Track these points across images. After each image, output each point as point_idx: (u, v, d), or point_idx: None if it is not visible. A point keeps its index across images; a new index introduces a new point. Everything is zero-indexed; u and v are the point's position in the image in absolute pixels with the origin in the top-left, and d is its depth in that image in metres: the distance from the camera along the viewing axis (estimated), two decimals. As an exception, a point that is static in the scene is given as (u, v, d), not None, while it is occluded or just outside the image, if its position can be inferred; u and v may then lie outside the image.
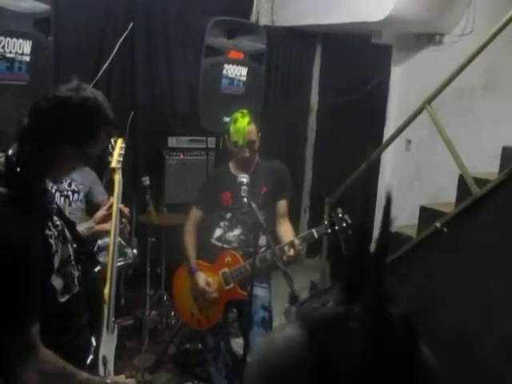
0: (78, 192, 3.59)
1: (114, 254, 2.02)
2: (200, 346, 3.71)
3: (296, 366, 0.68)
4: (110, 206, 2.17)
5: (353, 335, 0.66)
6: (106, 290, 2.00)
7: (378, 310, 0.68)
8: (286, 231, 3.34)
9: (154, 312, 4.04)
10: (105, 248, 2.60)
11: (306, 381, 0.67)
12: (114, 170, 2.24)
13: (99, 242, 2.84)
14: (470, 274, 3.29)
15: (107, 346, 1.90)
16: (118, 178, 2.22)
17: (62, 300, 1.79)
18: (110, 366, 1.87)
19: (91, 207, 3.54)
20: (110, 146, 2.32)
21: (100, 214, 2.24)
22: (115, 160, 2.26)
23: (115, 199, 2.13)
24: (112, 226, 2.08)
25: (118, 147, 2.31)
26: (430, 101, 3.58)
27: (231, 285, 3.30)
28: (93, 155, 1.83)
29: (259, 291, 3.32)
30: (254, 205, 3.05)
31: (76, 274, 1.88)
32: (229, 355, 3.55)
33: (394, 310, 0.69)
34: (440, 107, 3.65)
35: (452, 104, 3.71)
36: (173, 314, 4.00)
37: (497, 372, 3.03)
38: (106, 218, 2.20)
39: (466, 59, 3.44)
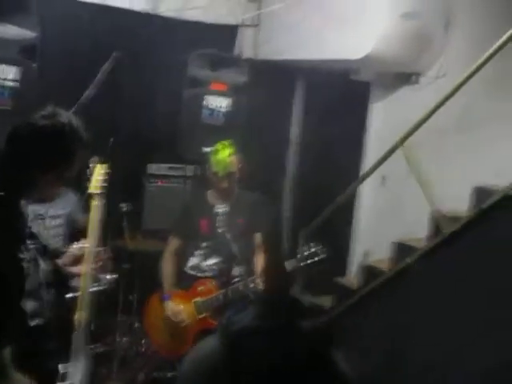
0: (59, 217, 3.57)
1: (87, 282, 2.04)
2: (169, 374, 3.69)
3: (214, 369, 0.79)
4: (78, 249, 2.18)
5: (260, 345, 0.77)
6: (77, 317, 2.01)
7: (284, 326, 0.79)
8: (260, 263, 3.37)
9: (124, 339, 4.00)
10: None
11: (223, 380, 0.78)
12: (91, 195, 2.26)
13: None
14: (441, 309, 3.34)
15: (75, 373, 1.90)
16: (96, 204, 2.24)
17: (33, 324, 1.80)
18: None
19: (73, 232, 3.53)
20: (87, 171, 2.35)
21: (67, 257, 2.20)
22: (93, 186, 2.28)
23: (92, 224, 2.15)
24: (87, 251, 2.10)
25: (97, 173, 2.33)
26: (403, 140, 3.68)
27: (203, 314, 3.32)
28: (70, 178, 1.87)
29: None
30: (228, 235, 3.09)
31: (48, 298, 1.89)
32: None
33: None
34: (415, 145, 3.75)
35: (426, 142, 3.81)
36: (143, 341, 3.97)
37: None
38: (76, 259, 2.18)
39: (440, 100, 3.56)
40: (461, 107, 3.73)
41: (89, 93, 3.72)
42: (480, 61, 3.30)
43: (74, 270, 2.12)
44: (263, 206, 3.55)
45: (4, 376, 1.57)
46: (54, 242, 3.13)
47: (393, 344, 3.54)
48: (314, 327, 0.81)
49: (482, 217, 3.17)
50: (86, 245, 2.24)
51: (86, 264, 2.10)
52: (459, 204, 3.45)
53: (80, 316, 2.00)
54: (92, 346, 3.78)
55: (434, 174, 3.64)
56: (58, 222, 3.56)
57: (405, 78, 4.46)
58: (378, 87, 4.63)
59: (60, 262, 2.13)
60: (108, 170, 2.38)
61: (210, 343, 0.83)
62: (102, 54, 4.00)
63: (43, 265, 1.93)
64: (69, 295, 2.02)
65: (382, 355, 3.54)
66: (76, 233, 3.21)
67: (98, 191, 2.27)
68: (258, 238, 3.46)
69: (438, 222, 3.46)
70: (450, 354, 3.23)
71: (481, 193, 3.33)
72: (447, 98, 3.50)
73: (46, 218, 3.51)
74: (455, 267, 3.29)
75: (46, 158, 1.76)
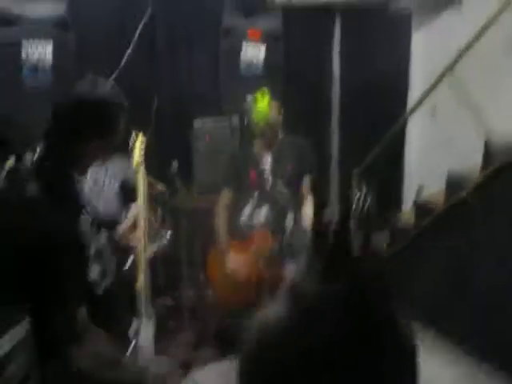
0: (115, 182, 3.66)
1: (144, 249, 2.11)
2: (239, 322, 3.81)
3: (283, 337, 0.79)
4: (133, 221, 2.24)
5: (327, 311, 0.78)
6: (139, 280, 2.09)
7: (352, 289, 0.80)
8: (308, 210, 3.38)
9: (191, 291, 4.15)
10: None
11: (293, 349, 0.77)
12: (136, 163, 2.30)
13: None
14: (499, 238, 3.29)
15: (146, 332, 2.00)
16: (141, 176, 2.28)
17: (100, 287, 1.89)
18: (150, 352, 1.98)
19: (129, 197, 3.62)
20: (130, 139, 2.39)
21: (123, 228, 2.27)
22: (136, 155, 2.32)
23: (141, 195, 2.21)
24: (141, 219, 2.16)
25: (138, 142, 2.37)
26: (450, 67, 3.55)
27: (261, 264, 3.37)
28: (115, 146, 1.92)
29: (292, 268, 3.38)
30: (278, 184, 3.12)
31: (110, 264, 1.98)
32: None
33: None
34: (463, 72, 3.61)
35: (474, 69, 3.65)
36: (210, 293, 4.10)
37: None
38: (131, 230, 2.25)
39: (486, 22, 3.39)
40: (507, 28, 3.54)
41: (127, 56, 3.74)
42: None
43: (131, 241, 2.20)
44: (309, 148, 3.52)
45: (84, 329, 1.66)
46: (113, 207, 3.22)
47: (455, 275, 3.53)
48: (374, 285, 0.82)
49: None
50: (138, 206, 2.30)
51: (141, 232, 2.17)
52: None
53: (142, 279, 2.09)
54: (161, 300, 3.97)
55: (485, 102, 3.52)
56: (115, 187, 3.65)
57: (447, 2, 4.25)
58: (419, 16, 4.44)
59: (116, 235, 2.22)
60: (145, 139, 2.41)
61: (275, 309, 0.85)
62: (135, 11, 4.00)
63: (103, 234, 2.00)
64: (129, 261, 2.11)
65: (446, 287, 3.54)
66: (132, 197, 3.31)
67: (141, 160, 2.32)
68: (305, 181, 3.45)
69: (492, 151, 3.36)
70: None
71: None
72: (494, 20, 3.34)
73: (104, 183, 3.62)
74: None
75: (91, 128, 1.81)
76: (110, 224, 2.31)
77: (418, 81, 4.47)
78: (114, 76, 3.67)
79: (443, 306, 3.52)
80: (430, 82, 3.83)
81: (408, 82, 4.57)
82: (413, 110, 4.15)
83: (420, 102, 3.98)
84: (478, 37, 3.41)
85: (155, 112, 4.11)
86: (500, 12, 3.25)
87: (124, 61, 3.88)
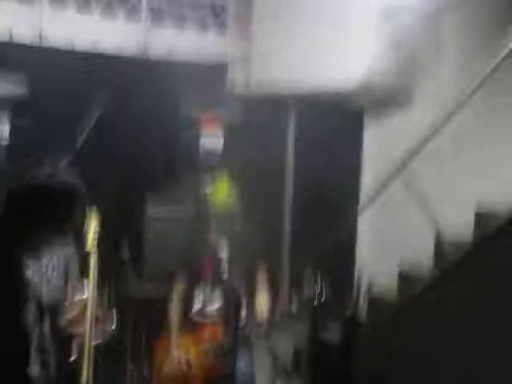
0: (58, 269, 3.52)
1: (90, 341, 2.00)
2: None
3: None
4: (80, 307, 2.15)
5: None
6: (84, 372, 1.97)
7: None
8: (262, 304, 3.33)
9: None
10: None
11: None
12: (88, 253, 2.23)
13: None
14: (449, 338, 3.29)
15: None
16: (93, 262, 2.21)
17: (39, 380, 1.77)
18: None
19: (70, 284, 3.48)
20: (84, 226, 2.33)
21: (69, 315, 2.16)
22: (90, 242, 2.25)
23: (91, 284, 2.12)
24: (88, 312, 2.06)
25: (92, 228, 2.31)
26: (401, 168, 3.67)
27: (212, 359, 3.25)
28: (71, 231, 1.86)
29: (242, 365, 3.26)
30: (234, 281, 3.08)
31: (54, 360, 1.86)
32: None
33: None
34: (414, 170, 3.73)
35: (425, 166, 3.79)
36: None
37: None
38: (78, 318, 2.14)
39: (436, 124, 3.56)
40: (457, 129, 3.72)
41: (80, 142, 3.72)
42: (473, 85, 3.31)
43: (76, 330, 2.09)
44: (263, 241, 3.52)
45: None
46: (55, 294, 3.08)
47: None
48: None
49: (484, 243, 3.15)
50: (84, 296, 2.21)
51: (88, 322, 2.06)
52: (463, 228, 3.41)
53: (86, 374, 1.97)
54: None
55: (435, 198, 3.62)
56: (57, 269, 3.51)
57: (398, 102, 4.46)
58: (371, 114, 4.63)
59: (61, 323, 2.10)
60: (100, 225, 2.35)
61: None
62: (92, 101, 4.02)
63: (47, 327, 1.89)
64: (73, 356, 1.98)
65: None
66: (72, 283, 3.19)
67: (94, 246, 2.24)
68: (259, 275, 3.42)
69: (442, 247, 3.43)
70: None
71: (483, 217, 3.31)
72: (443, 124, 3.51)
73: (47, 270, 3.47)
74: (462, 294, 3.24)
75: (48, 214, 1.76)
76: (54, 311, 2.19)
77: (369, 176, 4.58)
78: (65, 162, 3.62)
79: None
80: (381, 178, 3.93)
81: (359, 177, 4.68)
82: (364, 207, 4.23)
83: (372, 199, 4.06)
84: (427, 139, 3.56)
85: (107, 198, 4.05)
86: (450, 115, 3.42)
87: (78, 146, 3.85)
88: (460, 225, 3.44)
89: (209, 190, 3.44)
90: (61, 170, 1.84)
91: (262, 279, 3.41)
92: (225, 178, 3.45)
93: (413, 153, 3.67)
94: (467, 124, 3.72)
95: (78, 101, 4.03)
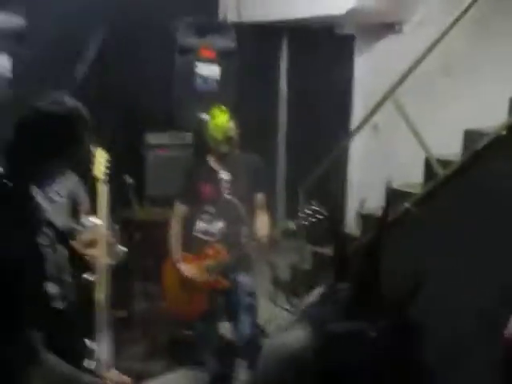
0: (62, 194, 3.53)
1: (103, 263, 2.02)
2: (191, 333, 3.75)
3: (302, 364, 0.75)
4: (93, 231, 2.15)
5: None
6: (97, 296, 2.00)
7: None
8: (262, 223, 3.36)
9: (144, 304, 4.04)
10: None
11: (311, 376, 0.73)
12: (96, 178, 2.21)
13: None
14: (439, 251, 3.36)
15: (102, 349, 1.91)
16: (102, 188, 2.19)
17: (59, 307, 1.80)
18: (105, 368, 1.89)
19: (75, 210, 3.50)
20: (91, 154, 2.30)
21: (82, 243, 2.16)
22: (98, 169, 2.22)
23: (102, 212, 2.12)
24: (100, 238, 2.07)
25: (99, 157, 2.28)
26: (392, 90, 3.63)
27: (215, 276, 3.33)
28: (78, 161, 1.85)
29: (243, 279, 3.36)
30: (233, 199, 3.09)
31: (69, 281, 1.88)
32: (218, 340, 3.60)
33: None
34: (404, 93, 3.70)
35: (415, 89, 3.75)
36: (163, 305, 4.00)
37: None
38: (90, 242, 2.14)
39: (426, 48, 3.49)
40: (447, 52, 3.65)
41: (80, 72, 3.63)
42: (465, 5, 3.23)
43: (90, 252, 2.10)
44: (262, 167, 3.52)
45: (35, 357, 1.58)
46: (66, 218, 3.10)
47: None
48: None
49: (473, 159, 3.16)
50: (97, 221, 2.21)
51: (100, 246, 2.08)
52: (452, 146, 3.43)
53: (100, 295, 2.00)
54: (114, 312, 3.83)
55: (426, 120, 3.62)
56: (62, 197, 3.52)
57: (388, 27, 4.37)
58: (362, 39, 4.54)
59: (75, 245, 2.11)
60: (108, 156, 2.32)
61: (292, 334, 0.78)
62: (89, 29, 3.89)
63: (61, 249, 1.91)
64: (87, 276, 2.01)
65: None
66: (79, 210, 3.20)
67: (103, 175, 2.22)
68: (259, 198, 3.44)
69: (431, 166, 3.45)
70: (447, 295, 3.27)
71: (472, 135, 3.31)
72: (433, 46, 3.45)
73: (56, 195, 3.47)
74: (451, 210, 3.29)
75: (56, 144, 1.74)
76: (66, 238, 2.20)
77: (360, 100, 4.55)
78: (66, 91, 3.54)
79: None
80: (372, 102, 3.90)
81: (351, 101, 4.65)
82: (356, 130, 4.21)
83: (362, 124, 4.05)
84: (418, 61, 3.50)
85: (109, 126, 4.00)
86: (440, 37, 3.35)
87: (78, 75, 3.76)
88: (449, 144, 3.45)
89: (207, 116, 3.40)
90: (67, 100, 1.80)
91: (261, 202, 3.43)
92: (222, 104, 3.39)
93: (403, 76, 3.62)
94: (456, 47, 3.67)
95: (77, 33, 3.90)
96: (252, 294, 3.42)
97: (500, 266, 2.99)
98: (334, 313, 0.77)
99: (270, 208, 3.55)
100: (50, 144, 1.73)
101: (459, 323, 3.15)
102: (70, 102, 1.80)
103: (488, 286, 3.03)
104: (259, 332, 3.53)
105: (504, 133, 2.97)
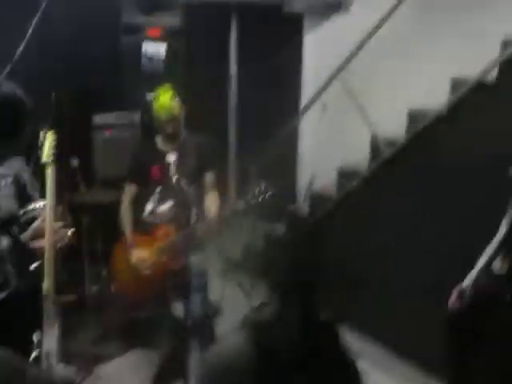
0: (8, 176, 3.42)
1: (50, 252, 1.98)
2: (143, 315, 3.73)
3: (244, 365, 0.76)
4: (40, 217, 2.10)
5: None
6: (45, 285, 1.96)
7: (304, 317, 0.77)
8: (211, 203, 3.35)
9: (94, 287, 3.99)
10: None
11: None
12: (45, 165, 2.16)
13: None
14: (385, 227, 3.45)
15: (49, 339, 1.88)
16: (50, 174, 2.14)
17: (1, 296, 1.76)
18: (53, 359, 1.86)
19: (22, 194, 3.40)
20: (39, 138, 2.24)
21: (31, 231, 2.10)
22: (46, 154, 2.17)
23: (49, 196, 2.07)
24: (47, 225, 2.02)
25: (48, 141, 2.22)
26: (340, 70, 3.66)
27: (166, 257, 3.31)
28: (23, 145, 1.81)
29: (193, 259, 3.35)
30: (181, 180, 3.07)
31: (12, 270, 1.85)
32: (171, 321, 3.60)
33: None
34: (351, 72, 3.73)
35: (361, 68, 3.78)
36: (113, 288, 3.96)
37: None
38: (39, 231, 2.09)
39: (372, 28, 3.52)
40: (391, 32, 3.69)
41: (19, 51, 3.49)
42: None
43: (37, 244, 2.05)
44: (211, 146, 3.49)
45: None
46: (6, 203, 3.01)
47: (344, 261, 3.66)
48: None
49: (416, 138, 3.24)
50: (43, 206, 2.16)
51: (48, 234, 2.03)
52: (398, 127, 3.49)
53: (46, 283, 1.96)
54: (63, 297, 3.77)
55: (372, 99, 3.66)
56: (7, 181, 3.41)
57: (336, 6, 4.37)
58: (310, 18, 4.53)
59: (22, 237, 2.05)
60: (56, 137, 2.26)
61: (234, 339, 0.79)
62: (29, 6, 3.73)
63: (4, 238, 1.86)
64: (33, 265, 1.97)
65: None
66: (24, 195, 3.11)
67: (51, 159, 2.17)
68: (209, 177, 3.42)
69: (377, 145, 3.51)
70: (390, 265, 3.37)
71: (416, 115, 3.38)
72: (380, 26, 3.48)
73: None
74: (397, 188, 3.37)
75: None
76: (9, 224, 2.14)
77: (309, 79, 4.56)
78: (6, 72, 3.42)
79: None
80: (321, 81, 3.92)
81: (300, 80, 4.65)
82: (305, 108, 4.23)
83: (312, 101, 4.07)
84: (365, 41, 3.54)
85: (54, 108, 3.88)
86: (385, 19, 3.38)
87: (17, 56, 3.61)
88: (394, 125, 3.52)
89: (153, 96, 3.33)
90: (4, 83, 1.74)
91: (210, 182, 3.42)
92: (168, 84, 3.33)
93: (350, 56, 3.65)
94: (401, 27, 3.71)
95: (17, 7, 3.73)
96: (203, 274, 3.42)
97: (440, 241, 3.09)
98: (274, 321, 0.79)
99: (221, 187, 3.54)
100: None
101: (408, 295, 3.26)
102: (6, 86, 1.74)
103: (432, 261, 3.14)
104: (211, 311, 3.54)
105: (445, 113, 3.05)
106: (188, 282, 3.32)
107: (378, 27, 3.50)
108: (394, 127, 3.51)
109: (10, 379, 1.57)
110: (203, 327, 3.26)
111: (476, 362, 2.68)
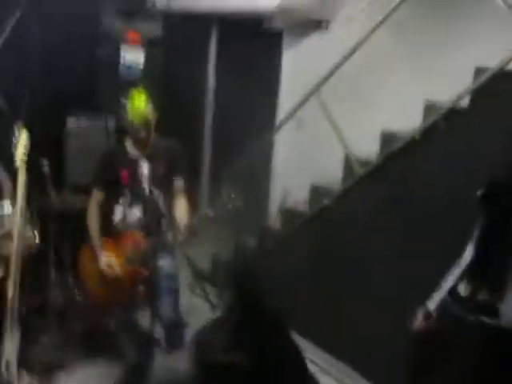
0: None
1: (17, 262, 1.94)
2: (109, 322, 3.68)
3: None
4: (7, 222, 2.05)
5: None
6: (10, 294, 1.91)
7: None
8: (180, 209, 3.28)
9: (58, 293, 3.91)
10: None
11: None
12: (18, 167, 2.12)
13: None
14: (356, 244, 3.48)
15: (10, 348, 1.83)
16: (20, 174, 2.10)
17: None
18: (13, 368, 1.81)
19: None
20: (13, 140, 2.20)
21: None
22: (19, 156, 2.12)
23: (20, 197, 2.03)
24: (15, 234, 1.98)
25: (21, 142, 2.18)
26: (317, 87, 3.69)
27: (135, 265, 3.25)
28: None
29: (164, 262, 3.24)
30: (151, 188, 3.04)
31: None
32: (137, 329, 3.53)
33: None
34: (328, 90, 3.76)
35: (338, 88, 3.82)
36: (78, 294, 3.88)
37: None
38: (5, 236, 2.04)
39: (350, 48, 3.56)
40: (369, 53, 3.74)
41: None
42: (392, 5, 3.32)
43: (3, 249, 2.00)
44: (181, 151, 3.43)
45: None
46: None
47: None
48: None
49: (388, 160, 3.28)
50: (11, 209, 2.11)
51: (13, 238, 1.98)
52: (371, 147, 3.53)
53: (12, 294, 1.91)
54: (26, 302, 3.68)
55: (348, 119, 3.70)
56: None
57: (315, 24, 4.42)
58: (290, 35, 4.57)
59: None
60: (28, 136, 2.22)
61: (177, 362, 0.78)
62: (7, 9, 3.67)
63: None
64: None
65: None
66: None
67: (22, 160, 2.12)
68: (178, 183, 3.39)
69: (350, 165, 3.55)
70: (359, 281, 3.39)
71: (388, 136, 3.42)
72: (358, 45, 3.52)
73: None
74: (368, 206, 3.40)
75: None
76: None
77: (287, 95, 4.59)
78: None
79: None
80: (298, 98, 3.95)
81: (278, 95, 4.68)
82: (281, 124, 4.25)
83: (288, 117, 4.09)
84: (343, 59, 3.57)
85: (26, 109, 3.82)
86: (364, 38, 3.43)
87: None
88: (367, 147, 3.55)
89: (127, 103, 3.28)
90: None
91: (179, 188, 3.38)
92: (142, 91, 3.28)
93: (328, 74, 3.69)
94: (379, 47, 3.76)
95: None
96: (172, 277, 3.33)
97: (409, 260, 3.13)
98: (223, 339, 0.78)
99: (192, 195, 3.50)
100: None
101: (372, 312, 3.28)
102: None
103: (398, 278, 3.16)
104: (181, 317, 3.45)
105: (417, 137, 3.10)
106: (157, 285, 3.22)
107: (356, 47, 3.54)
108: (368, 148, 3.55)
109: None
110: (174, 332, 3.20)
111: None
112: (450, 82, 3.02)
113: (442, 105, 3.07)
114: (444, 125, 2.99)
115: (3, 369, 1.76)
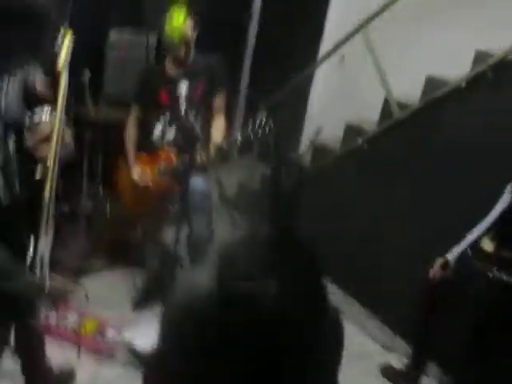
0: (14, 80, 3.35)
1: (54, 166, 1.98)
2: (136, 234, 3.78)
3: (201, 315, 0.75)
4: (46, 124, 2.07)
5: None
6: (46, 191, 1.97)
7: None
8: (217, 129, 3.27)
9: (89, 202, 4.01)
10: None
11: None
12: (60, 72, 2.12)
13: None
14: (382, 186, 3.46)
15: (44, 245, 1.91)
16: (62, 79, 2.11)
17: (4, 199, 1.77)
18: (46, 267, 1.90)
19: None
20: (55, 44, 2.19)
21: (35, 136, 2.06)
22: (61, 61, 2.12)
23: (60, 100, 2.05)
24: (55, 129, 2.01)
25: (65, 47, 2.17)
26: (364, 25, 3.56)
27: (166, 179, 3.29)
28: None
29: (197, 181, 3.24)
30: (191, 113, 3.02)
31: (17, 174, 1.85)
32: (163, 243, 3.62)
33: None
34: (374, 30, 3.63)
35: (385, 28, 3.67)
36: (108, 205, 3.97)
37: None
38: (44, 138, 2.06)
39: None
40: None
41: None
42: None
43: (41, 148, 2.04)
44: (221, 67, 3.35)
45: None
46: (16, 111, 2.98)
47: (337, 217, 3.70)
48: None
49: (430, 106, 3.19)
50: (49, 113, 2.14)
51: (51, 140, 2.02)
52: (413, 91, 3.43)
53: (47, 192, 1.97)
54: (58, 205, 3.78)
55: (391, 60, 3.58)
56: (15, 84, 3.35)
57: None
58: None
59: (27, 144, 2.03)
60: (71, 40, 2.20)
61: (198, 280, 0.78)
62: None
63: (11, 142, 1.85)
64: (37, 173, 1.96)
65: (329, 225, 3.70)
66: (33, 96, 3.07)
67: (65, 66, 2.13)
68: (218, 99, 3.32)
69: (389, 107, 3.47)
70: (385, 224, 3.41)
71: (433, 82, 3.32)
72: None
73: (6, 86, 3.30)
74: (403, 150, 3.35)
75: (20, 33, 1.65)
76: (16, 128, 2.13)
77: (332, 30, 4.44)
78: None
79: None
80: (343, 34, 3.82)
81: (323, 28, 4.53)
82: (323, 58, 4.15)
83: (331, 52, 3.98)
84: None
85: (69, 18, 3.76)
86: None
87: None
88: (409, 91, 3.45)
89: (167, 17, 3.19)
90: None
91: (219, 104, 3.32)
92: (183, 7, 3.17)
93: (377, 12, 3.55)
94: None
95: None
96: (205, 194, 3.35)
97: (439, 208, 3.10)
98: (249, 254, 0.77)
99: (228, 114, 3.45)
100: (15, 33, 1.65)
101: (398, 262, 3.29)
102: None
103: (428, 228, 3.15)
104: (212, 235, 3.47)
105: (463, 85, 2.99)
106: (190, 203, 3.16)
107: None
108: (409, 91, 3.45)
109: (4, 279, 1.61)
110: (200, 250, 3.26)
111: (443, 333, 2.76)
112: (504, 35, 2.89)
113: (493, 55, 2.94)
114: (492, 75, 2.87)
115: (37, 268, 1.84)
